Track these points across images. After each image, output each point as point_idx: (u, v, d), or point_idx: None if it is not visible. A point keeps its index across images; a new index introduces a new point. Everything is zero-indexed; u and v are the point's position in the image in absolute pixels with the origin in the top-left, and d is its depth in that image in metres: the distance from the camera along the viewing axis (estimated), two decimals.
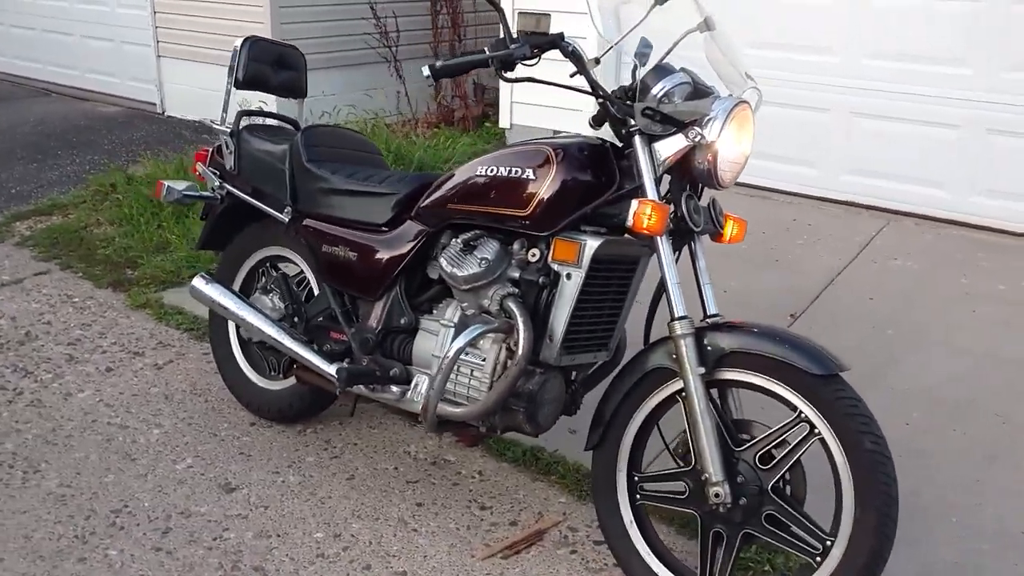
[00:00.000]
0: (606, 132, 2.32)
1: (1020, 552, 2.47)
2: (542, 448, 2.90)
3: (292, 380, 3.02)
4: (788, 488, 2.13)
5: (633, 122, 2.18)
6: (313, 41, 6.77)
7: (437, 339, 2.51)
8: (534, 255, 2.33)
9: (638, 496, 2.32)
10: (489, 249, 2.36)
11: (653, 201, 2.11)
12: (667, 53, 2.27)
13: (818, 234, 4.60)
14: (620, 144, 2.29)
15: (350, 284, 2.70)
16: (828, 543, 2.05)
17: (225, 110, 3.03)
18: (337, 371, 2.57)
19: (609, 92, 2.19)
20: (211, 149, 3.13)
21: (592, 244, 2.24)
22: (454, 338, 2.45)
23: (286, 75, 3.11)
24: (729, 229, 2.33)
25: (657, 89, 2.14)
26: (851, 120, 4.94)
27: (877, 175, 4.87)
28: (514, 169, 2.32)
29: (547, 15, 2.17)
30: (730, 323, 2.17)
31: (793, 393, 2.07)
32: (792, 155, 5.09)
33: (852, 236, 4.54)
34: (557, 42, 2.19)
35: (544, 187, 2.26)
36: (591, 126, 2.38)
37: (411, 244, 2.56)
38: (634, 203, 2.11)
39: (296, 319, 2.85)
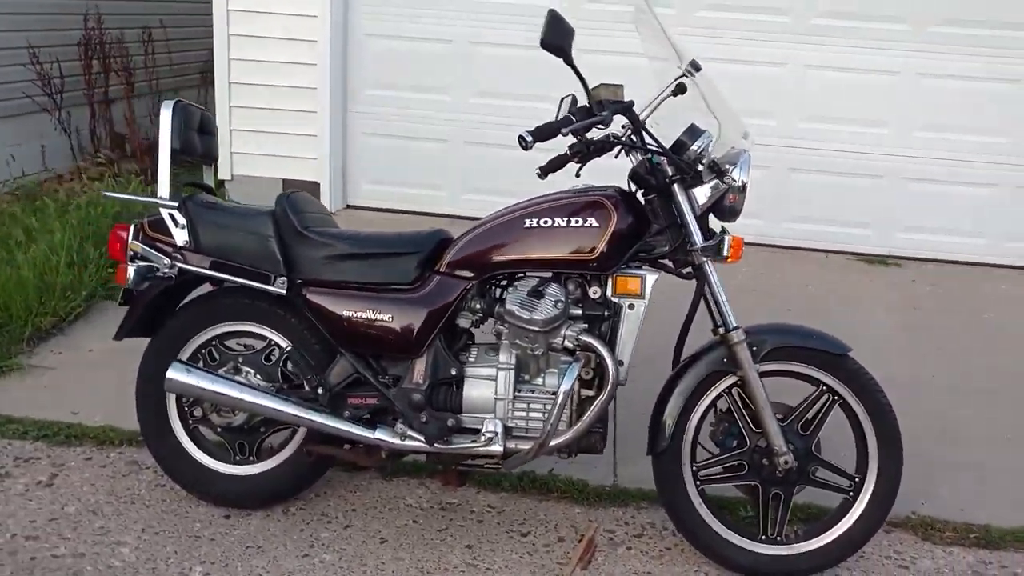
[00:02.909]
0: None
1: None
2: (532, 472, 3.14)
3: (274, 460, 2.89)
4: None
5: (671, 172, 2.61)
6: None
7: (496, 383, 2.67)
8: (595, 292, 2.64)
9: (698, 482, 2.75)
10: (558, 292, 2.60)
11: (736, 236, 2.58)
12: (652, 110, 2.69)
13: None
14: (643, 191, 2.70)
15: (385, 346, 2.70)
16: (857, 479, 2.71)
17: (163, 181, 2.76)
18: (425, 432, 2.60)
19: (667, 149, 2.59)
20: (137, 225, 2.82)
21: (652, 277, 2.63)
22: (518, 379, 2.69)
23: (206, 140, 2.95)
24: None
25: (697, 145, 2.59)
26: None
27: None
28: (574, 219, 2.60)
29: (621, 85, 2.51)
30: (761, 326, 2.72)
31: (820, 371, 2.68)
32: None
33: None
34: (629, 108, 2.53)
35: (608, 232, 2.58)
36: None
37: (452, 297, 2.67)
38: (727, 238, 2.55)
39: (320, 391, 2.73)
